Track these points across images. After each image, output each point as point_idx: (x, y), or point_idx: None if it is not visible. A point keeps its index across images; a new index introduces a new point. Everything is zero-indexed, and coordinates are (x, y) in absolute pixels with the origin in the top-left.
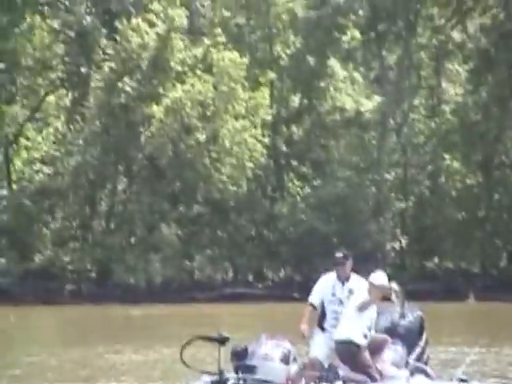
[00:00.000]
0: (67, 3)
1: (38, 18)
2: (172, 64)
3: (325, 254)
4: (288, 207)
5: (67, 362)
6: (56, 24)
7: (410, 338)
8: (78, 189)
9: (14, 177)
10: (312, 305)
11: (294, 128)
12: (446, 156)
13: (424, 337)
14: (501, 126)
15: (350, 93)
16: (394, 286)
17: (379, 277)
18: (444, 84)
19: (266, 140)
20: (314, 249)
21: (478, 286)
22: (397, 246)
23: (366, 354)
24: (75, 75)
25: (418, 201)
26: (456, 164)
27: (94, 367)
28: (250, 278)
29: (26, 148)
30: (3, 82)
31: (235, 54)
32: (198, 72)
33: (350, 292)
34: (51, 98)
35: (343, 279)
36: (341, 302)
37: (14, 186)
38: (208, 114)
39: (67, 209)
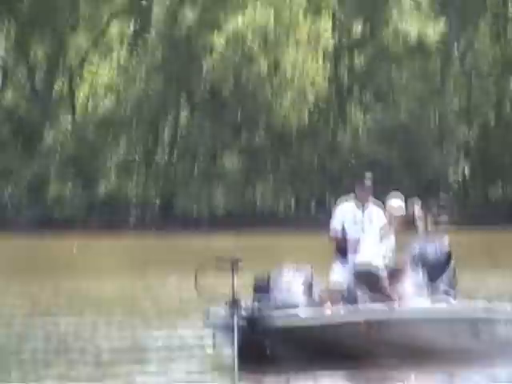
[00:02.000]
0: None
1: None
2: None
3: (387, 183)
4: (350, 137)
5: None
6: None
7: (435, 266)
8: (140, 118)
9: (77, 107)
10: (336, 233)
11: (356, 56)
12: None
13: (451, 264)
14: None
15: (414, 19)
16: (417, 208)
17: (396, 202)
18: (511, 7)
19: (328, 69)
20: (375, 178)
21: None
22: (460, 174)
23: (386, 281)
24: (135, 2)
25: (481, 129)
26: None
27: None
28: (313, 207)
29: (90, 76)
30: (64, 9)
31: None
32: (259, 0)
33: (370, 218)
34: (113, 26)
35: (363, 205)
36: (362, 228)
37: (78, 117)
38: (269, 42)
39: (131, 138)
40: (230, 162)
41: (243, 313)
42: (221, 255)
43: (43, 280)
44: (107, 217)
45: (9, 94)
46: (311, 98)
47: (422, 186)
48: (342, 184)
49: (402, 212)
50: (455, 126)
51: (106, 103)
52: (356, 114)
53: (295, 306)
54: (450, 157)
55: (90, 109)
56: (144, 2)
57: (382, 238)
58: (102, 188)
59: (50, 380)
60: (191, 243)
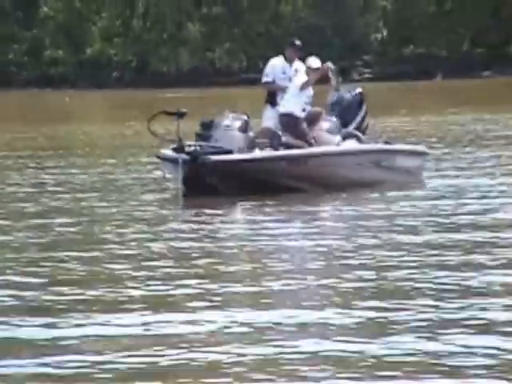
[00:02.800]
0: None
1: None
2: None
3: (321, 44)
4: (290, 7)
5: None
6: None
7: (349, 110)
8: None
9: None
10: (268, 82)
11: None
12: None
13: (363, 109)
14: None
15: None
16: (330, 65)
17: (314, 60)
18: None
19: None
20: (310, 41)
21: (444, 67)
22: (379, 36)
23: (304, 125)
24: None
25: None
26: None
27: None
28: (261, 66)
29: None
30: None
31: None
32: None
33: (296, 71)
34: None
35: (291, 61)
36: (290, 79)
37: None
38: None
39: (111, 10)
40: (193, 29)
41: (186, 149)
42: (168, 110)
43: (42, 124)
44: (93, 75)
45: None
46: None
47: (349, 46)
48: (283, 46)
49: (318, 65)
50: None
51: None
52: None
53: (231, 145)
54: (371, 21)
55: None
56: None
57: (302, 89)
58: (89, 51)
59: None
60: (157, 97)
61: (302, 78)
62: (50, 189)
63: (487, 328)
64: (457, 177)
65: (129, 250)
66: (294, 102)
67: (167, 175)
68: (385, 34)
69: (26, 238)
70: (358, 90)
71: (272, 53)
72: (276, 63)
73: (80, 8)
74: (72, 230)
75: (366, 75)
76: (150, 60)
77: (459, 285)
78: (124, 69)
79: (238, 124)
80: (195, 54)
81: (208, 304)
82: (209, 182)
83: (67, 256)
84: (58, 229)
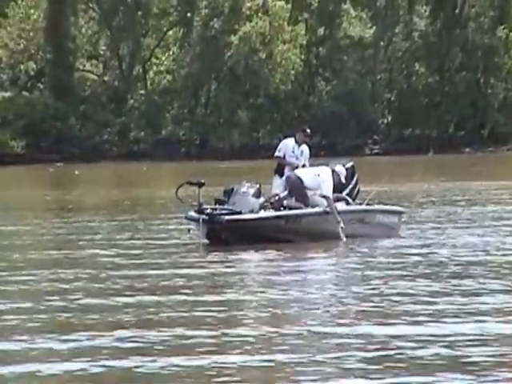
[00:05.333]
0: None
1: None
2: (243, 9)
3: (340, 126)
4: (317, 98)
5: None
6: None
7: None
8: (187, 89)
9: (148, 82)
10: (279, 157)
11: (320, 48)
12: (416, 64)
13: (355, 179)
14: (449, 45)
15: (356, 26)
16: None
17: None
18: (414, 19)
19: (303, 56)
20: (332, 124)
21: (435, 145)
22: (385, 121)
23: (306, 190)
24: (183, 18)
25: (398, 92)
26: (422, 69)
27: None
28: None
29: (156, 64)
30: (138, 23)
31: (282, 3)
32: (260, 14)
33: (302, 151)
34: (170, 33)
35: (300, 143)
36: (296, 157)
37: (149, 87)
38: (266, 40)
39: (181, 101)
40: (243, 115)
41: (205, 211)
42: (191, 180)
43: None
44: (166, 150)
45: (108, 75)
46: (292, 74)
47: (362, 128)
48: (311, 127)
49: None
50: (382, 91)
51: (165, 80)
52: (321, 84)
53: (246, 208)
54: (378, 110)
55: (155, 83)
56: (189, 15)
57: (306, 166)
58: (163, 132)
59: None
60: (214, 167)
61: (307, 157)
62: None
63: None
64: (427, 231)
65: None
66: (300, 173)
67: (192, 231)
68: (389, 119)
69: None
70: (351, 163)
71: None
72: (288, 143)
73: (157, 100)
74: None
75: (375, 151)
76: (209, 139)
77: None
78: (190, 145)
79: (252, 191)
80: (244, 134)
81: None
82: (223, 237)
83: None
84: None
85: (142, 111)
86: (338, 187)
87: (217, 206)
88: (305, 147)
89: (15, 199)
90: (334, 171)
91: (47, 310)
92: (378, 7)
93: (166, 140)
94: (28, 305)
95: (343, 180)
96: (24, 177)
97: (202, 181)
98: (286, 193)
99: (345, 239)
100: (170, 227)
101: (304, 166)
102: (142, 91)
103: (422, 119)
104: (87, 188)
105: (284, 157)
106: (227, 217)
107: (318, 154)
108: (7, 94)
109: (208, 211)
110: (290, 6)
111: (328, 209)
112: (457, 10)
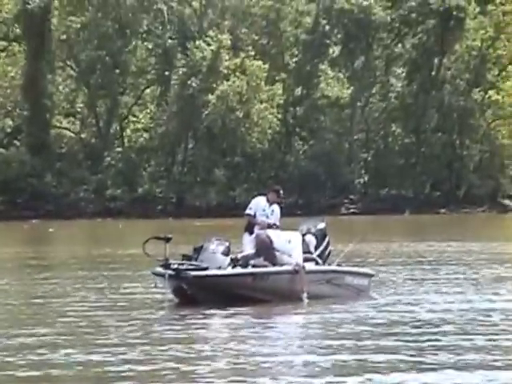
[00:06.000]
0: (157, 32)
1: (139, 42)
2: (221, 69)
3: (316, 186)
4: (294, 158)
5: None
6: (150, 45)
7: (316, 240)
8: (164, 147)
9: (125, 140)
10: (250, 214)
11: (297, 108)
12: (392, 125)
13: (326, 240)
14: (425, 107)
15: (333, 86)
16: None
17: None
18: (391, 80)
19: (280, 116)
20: (309, 184)
21: (411, 205)
22: (362, 180)
23: (274, 250)
24: (161, 77)
25: (375, 153)
26: (398, 130)
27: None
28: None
29: (133, 122)
30: (116, 82)
31: (260, 62)
32: (237, 74)
33: (272, 211)
34: (147, 91)
35: (271, 202)
36: (267, 216)
37: (126, 145)
38: (243, 99)
39: (157, 159)
40: (219, 173)
41: (171, 266)
42: (158, 235)
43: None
44: (142, 208)
45: (85, 132)
46: (270, 133)
47: (338, 188)
48: (288, 188)
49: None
50: (359, 151)
51: (142, 138)
52: (298, 144)
53: (214, 265)
54: (355, 170)
55: (132, 141)
56: (166, 73)
57: (277, 225)
58: (140, 190)
59: None
60: (190, 225)
61: (277, 216)
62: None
63: None
64: (397, 293)
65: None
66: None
67: (158, 286)
68: (366, 178)
69: None
70: (323, 224)
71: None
72: (259, 201)
73: (134, 158)
74: None
75: (352, 210)
76: (186, 197)
77: None
78: (167, 203)
79: (221, 248)
80: (221, 193)
81: None
82: (190, 293)
83: None
84: None
85: (119, 169)
86: (306, 256)
87: (183, 262)
88: (276, 207)
89: None
90: (304, 241)
91: None
92: (355, 68)
93: (142, 198)
94: None
95: (312, 250)
96: None
97: (170, 236)
98: (253, 251)
99: (306, 302)
100: (134, 284)
101: (275, 225)
102: (119, 149)
103: (398, 179)
104: (59, 245)
105: (255, 215)
106: (193, 272)
107: (294, 213)
108: None
109: (174, 266)
110: (267, 65)
111: (296, 268)
112: (433, 72)
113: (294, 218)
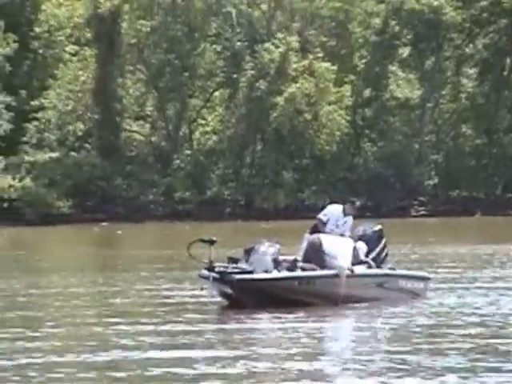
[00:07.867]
0: (226, 34)
1: (207, 45)
2: (289, 71)
3: (386, 188)
4: (363, 160)
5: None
6: (218, 48)
7: (369, 243)
8: (232, 149)
9: (194, 142)
10: (321, 220)
11: (366, 109)
12: (463, 126)
13: (382, 242)
14: (496, 107)
15: (403, 87)
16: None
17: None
18: (462, 80)
19: (348, 117)
20: (378, 185)
21: (482, 206)
22: (432, 182)
23: (322, 254)
24: (229, 79)
25: (445, 154)
26: (469, 130)
27: None
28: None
29: (202, 125)
30: (185, 85)
31: (328, 64)
32: (306, 75)
33: (345, 222)
34: (216, 94)
35: (347, 214)
36: (337, 226)
37: (195, 148)
38: (311, 101)
39: (226, 162)
40: (287, 176)
41: (216, 269)
42: (202, 238)
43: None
44: (211, 211)
45: (154, 135)
46: (338, 135)
47: (408, 190)
48: (356, 189)
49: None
50: (428, 153)
51: (211, 141)
52: (366, 145)
53: (263, 267)
54: (425, 171)
55: (201, 144)
56: (235, 76)
57: (344, 236)
58: (209, 193)
59: None
60: (262, 226)
61: (348, 228)
62: None
63: None
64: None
65: None
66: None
67: (204, 288)
68: (436, 180)
69: None
70: (379, 226)
71: (348, 194)
72: (335, 211)
73: (203, 160)
74: None
75: (421, 212)
76: (254, 199)
77: None
78: (235, 206)
79: (271, 250)
80: (289, 195)
81: None
82: (234, 296)
83: None
84: None
85: (188, 171)
86: (355, 262)
87: (228, 265)
88: (349, 218)
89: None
90: (354, 247)
91: None
92: (426, 69)
93: (211, 200)
94: None
95: (362, 257)
96: (69, 236)
97: (214, 238)
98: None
99: (339, 305)
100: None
101: (342, 235)
102: (188, 151)
103: (469, 181)
104: (126, 247)
105: (326, 222)
106: (238, 276)
107: (363, 215)
108: (55, 155)
109: (219, 269)
110: (335, 67)
111: (341, 271)
112: (505, 72)
113: (361, 219)
